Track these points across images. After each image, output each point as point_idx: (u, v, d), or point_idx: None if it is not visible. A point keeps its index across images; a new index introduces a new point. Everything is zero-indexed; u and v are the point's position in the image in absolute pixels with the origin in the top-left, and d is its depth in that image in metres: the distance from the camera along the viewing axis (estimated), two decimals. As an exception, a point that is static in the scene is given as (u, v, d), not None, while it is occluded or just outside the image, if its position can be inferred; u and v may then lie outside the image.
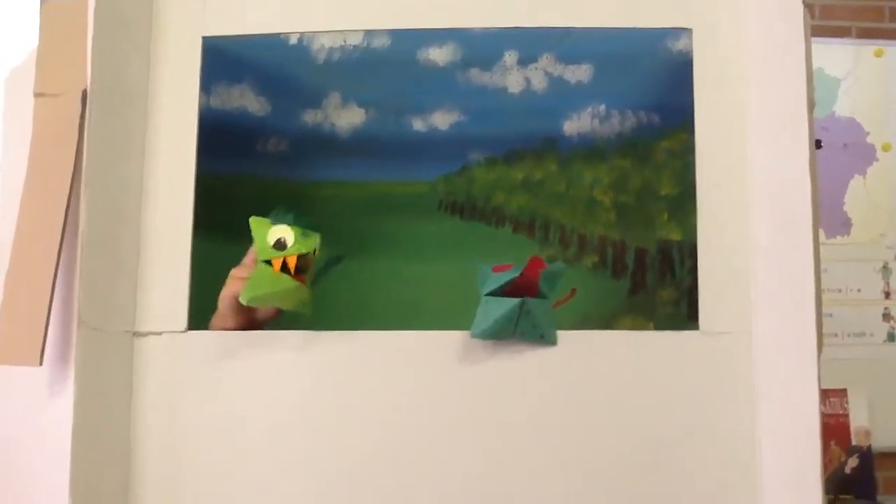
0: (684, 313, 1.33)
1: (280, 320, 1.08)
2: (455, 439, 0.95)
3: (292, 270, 0.97)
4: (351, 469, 0.95)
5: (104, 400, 0.93)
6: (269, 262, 0.98)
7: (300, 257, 0.97)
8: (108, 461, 0.93)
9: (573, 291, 1.01)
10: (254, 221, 1.00)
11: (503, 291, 0.95)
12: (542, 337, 0.95)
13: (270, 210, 1.02)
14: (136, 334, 0.97)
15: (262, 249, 0.98)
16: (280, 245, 0.98)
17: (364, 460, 0.95)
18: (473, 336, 0.95)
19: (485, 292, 0.96)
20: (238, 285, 1.00)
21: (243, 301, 0.96)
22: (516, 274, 0.96)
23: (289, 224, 0.99)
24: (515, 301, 0.94)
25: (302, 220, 1.01)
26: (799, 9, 0.96)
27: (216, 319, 1.06)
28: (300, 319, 1.00)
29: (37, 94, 0.99)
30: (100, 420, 0.92)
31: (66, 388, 0.92)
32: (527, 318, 0.94)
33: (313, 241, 1.00)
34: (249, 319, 1.06)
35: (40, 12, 1.02)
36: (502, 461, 0.94)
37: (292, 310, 1.00)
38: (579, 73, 1.26)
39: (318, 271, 1.10)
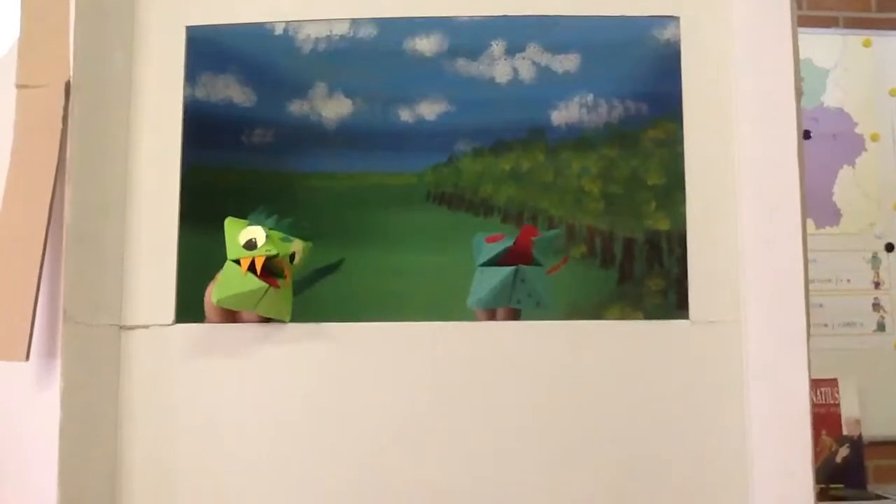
0: (673, 303, 1.33)
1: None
2: (444, 430, 0.95)
3: (258, 271, 0.94)
4: (341, 462, 0.95)
5: (91, 394, 0.93)
6: (238, 263, 0.96)
7: (270, 259, 0.95)
8: (96, 455, 0.93)
9: (566, 259, 1.01)
10: (229, 222, 0.98)
11: (498, 261, 0.95)
12: (539, 304, 0.95)
13: (256, 202, 1.01)
14: (123, 328, 0.96)
15: (231, 248, 0.96)
16: (250, 245, 0.95)
17: (355, 453, 0.95)
18: (470, 306, 0.95)
19: (479, 263, 0.96)
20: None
21: (213, 301, 0.96)
22: (509, 243, 0.95)
23: (270, 227, 0.98)
24: (510, 269, 0.94)
25: (283, 224, 0.99)
26: (786, -3, 0.96)
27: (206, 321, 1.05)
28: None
29: (19, 86, 0.98)
30: (87, 414, 0.92)
31: (52, 382, 0.91)
32: (522, 285, 0.95)
33: (291, 246, 0.98)
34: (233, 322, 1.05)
35: (21, 2, 1.01)
36: (490, 452, 0.94)
37: (268, 315, 0.97)
38: (567, 63, 1.25)
39: (305, 278, 1.08)
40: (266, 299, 0.96)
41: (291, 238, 0.99)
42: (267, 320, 0.99)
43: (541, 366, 0.95)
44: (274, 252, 0.95)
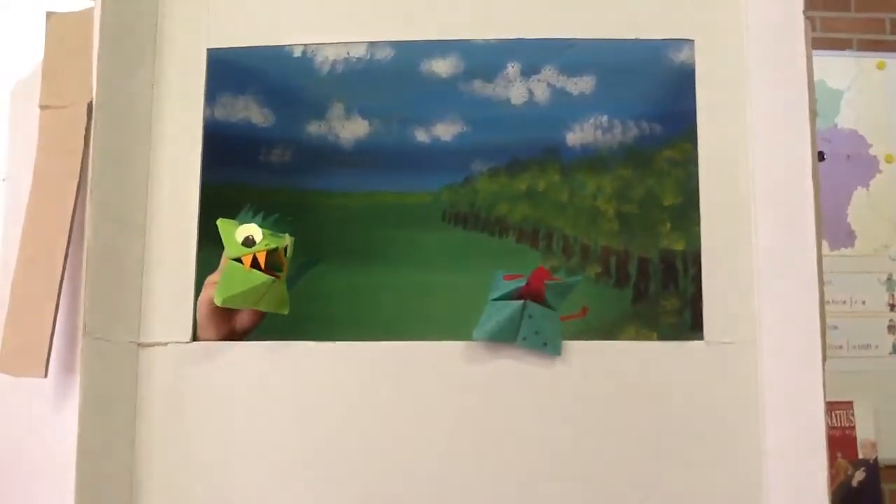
0: (688, 323, 1.33)
1: (278, 329, 1.07)
2: (457, 449, 0.95)
3: (262, 265, 0.96)
4: (355, 480, 0.95)
5: (109, 411, 0.93)
6: (239, 261, 0.97)
7: (270, 253, 0.97)
8: (113, 472, 0.93)
9: (584, 310, 1.00)
10: (221, 223, 1.00)
11: (509, 298, 0.95)
12: (546, 345, 0.95)
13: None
14: (141, 345, 0.97)
15: (230, 247, 0.98)
16: (249, 242, 0.97)
17: (369, 471, 0.95)
18: (476, 337, 0.95)
19: (491, 298, 0.96)
20: (212, 290, 1.00)
21: (218, 302, 0.96)
22: (521, 284, 0.96)
23: (257, 224, 0.99)
24: (517, 303, 0.94)
25: (268, 222, 1.01)
26: (800, 20, 0.96)
27: (199, 332, 1.05)
28: (304, 329, 1.00)
29: (42, 107, 1.00)
30: (104, 431, 0.93)
31: (71, 398, 0.92)
32: (529, 321, 0.94)
33: (283, 240, 1.00)
34: (229, 328, 1.06)
35: (46, 25, 1.02)
36: (504, 471, 0.94)
37: (269, 310, 0.99)
38: (582, 85, 1.26)
39: (291, 275, 1.10)
40: (268, 294, 0.97)
41: (279, 234, 1.01)
42: (258, 319, 0.99)
43: (555, 385, 0.95)
44: (273, 246, 0.97)
